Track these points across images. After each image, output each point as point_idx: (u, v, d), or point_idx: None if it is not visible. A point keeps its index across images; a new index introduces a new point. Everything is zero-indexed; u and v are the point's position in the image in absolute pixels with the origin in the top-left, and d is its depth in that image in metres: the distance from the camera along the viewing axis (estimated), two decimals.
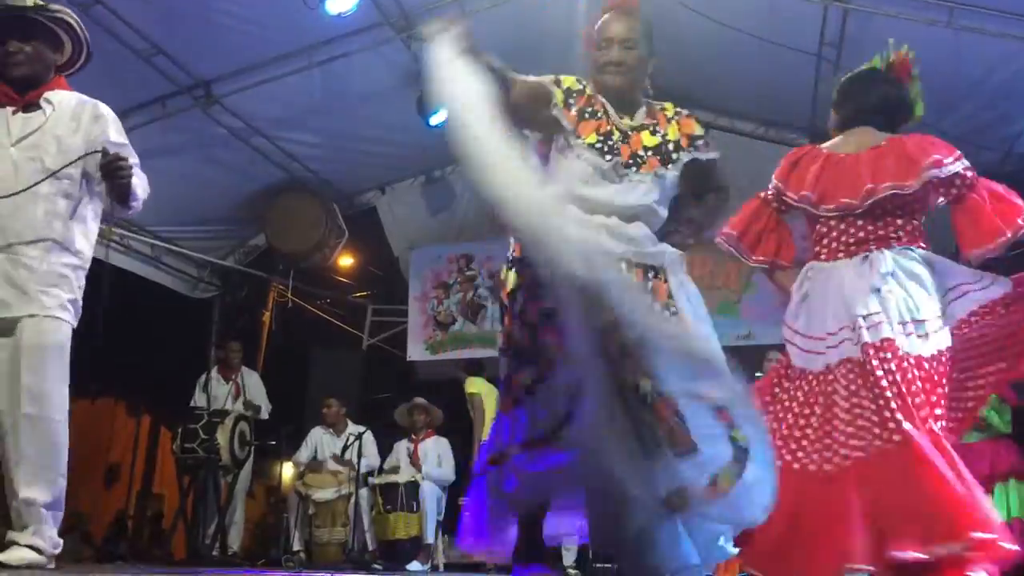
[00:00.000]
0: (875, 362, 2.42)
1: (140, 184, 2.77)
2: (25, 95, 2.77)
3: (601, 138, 2.36)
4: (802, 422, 2.57)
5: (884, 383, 2.38)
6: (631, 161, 2.35)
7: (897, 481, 2.27)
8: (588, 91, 2.44)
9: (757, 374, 5.78)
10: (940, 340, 2.50)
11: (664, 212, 2.40)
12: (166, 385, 7.62)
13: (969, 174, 2.61)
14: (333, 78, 6.25)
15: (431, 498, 6.49)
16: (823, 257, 2.70)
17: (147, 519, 8.57)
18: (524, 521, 2.32)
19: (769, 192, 2.83)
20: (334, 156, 7.50)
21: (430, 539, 6.44)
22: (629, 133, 2.39)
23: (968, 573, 2.11)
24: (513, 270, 2.37)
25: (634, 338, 2.00)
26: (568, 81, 2.44)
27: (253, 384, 7.02)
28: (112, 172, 2.65)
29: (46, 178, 2.67)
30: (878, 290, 2.52)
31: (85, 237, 2.79)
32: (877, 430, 2.36)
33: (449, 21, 2.19)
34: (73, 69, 2.92)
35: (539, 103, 2.41)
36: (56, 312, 2.65)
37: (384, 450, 7.07)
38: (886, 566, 2.21)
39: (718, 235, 2.79)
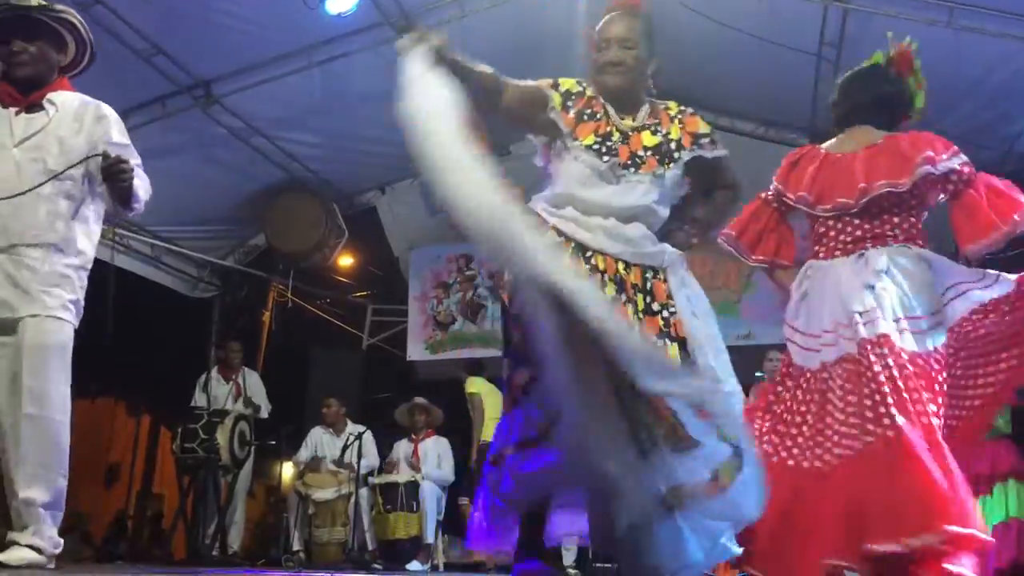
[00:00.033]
0: (872, 357, 2.43)
1: (142, 186, 2.77)
2: (28, 96, 2.77)
3: (599, 139, 2.35)
4: (798, 419, 2.59)
5: (881, 378, 2.39)
6: (629, 162, 2.34)
7: (883, 475, 2.28)
8: (588, 93, 2.44)
9: (757, 374, 5.82)
10: (935, 338, 2.51)
11: (665, 212, 2.39)
12: (166, 385, 7.62)
13: (966, 170, 2.61)
14: (333, 78, 6.25)
15: (431, 498, 6.49)
16: (821, 256, 2.72)
17: (147, 519, 8.57)
18: (525, 520, 2.33)
19: (770, 192, 2.86)
20: (334, 156, 7.50)
21: (430, 539, 6.44)
22: (629, 134, 2.38)
23: (945, 566, 2.11)
24: None
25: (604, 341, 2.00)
26: (567, 84, 2.44)
27: (253, 384, 7.01)
28: (113, 175, 2.65)
29: (48, 180, 2.67)
30: (872, 287, 2.53)
31: (87, 238, 2.79)
32: (871, 426, 2.37)
33: (422, 33, 2.20)
34: (77, 70, 2.92)
35: (535, 107, 2.41)
36: (58, 312, 2.65)
37: (384, 450, 7.07)
38: (864, 560, 2.22)
39: (719, 235, 2.81)
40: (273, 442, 7.05)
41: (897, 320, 2.49)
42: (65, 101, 2.80)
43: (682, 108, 2.49)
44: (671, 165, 2.37)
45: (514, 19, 6.08)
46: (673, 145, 2.39)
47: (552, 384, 2.10)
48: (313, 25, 5.80)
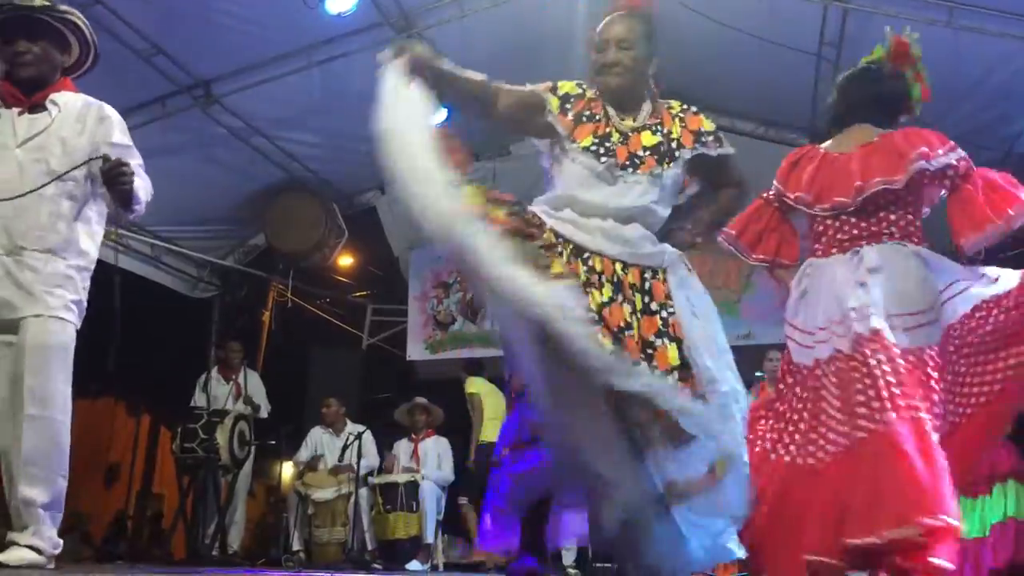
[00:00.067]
0: (865, 352, 2.44)
1: (143, 187, 2.77)
2: (31, 96, 2.76)
3: (597, 141, 2.36)
4: (795, 416, 2.61)
5: (875, 373, 2.39)
6: (627, 162, 2.34)
7: (869, 470, 2.29)
8: (589, 95, 2.44)
9: (757, 373, 5.83)
10: (929, 334, 2.51)
11: (664, 211, 2.38)
12: (166, 385, 7.61)
13: (962, 164, 2.61)
14: (333, 78, 6.24)
15: (431, 498, 6.49)
16: (819, 254, 2.74)
17: (147, 519, 8.56)
18: (525, 520, 2.34)
19: (771, 192, 2.87)
20: (334, 156, 7.49)
21: (430, 539, 6.44)
22: (629, 134, 2.38)
23: (930, 560, 2.11)
24: None
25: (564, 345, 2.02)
26: (566, 87, 2.45)
27: (254, 384, 7.01)
28: (113, 179, 2.65)
29: (51, 181, 2.67)
30: (865, 284, 2.55)
31: (90, 238, 2.79)
32: (862, 421, 2.37)
33: (402, 45, 2.27)
34: (80, 72, 2.92)
35: (531, 111, 2.42)
36: (60, 313, 2.65)
37: (384, 449, 7.07)
38: (843, 554, 2.22)
39: (720, 234, 2.81)
40: (273, 442, 7.05)
41: (890, 317, 2.50)
42: (68, 102, 2.80)
43: (685, 106, 2.48)
44: (671, 164, 2.36)
45: (514, 19, 6.08)
46: (674, 144, 2.38)
47: (534, 389, 2.16)
48: (313, 25, 5.80)
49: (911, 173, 2.56)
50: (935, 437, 2.30)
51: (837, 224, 2.70)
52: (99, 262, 2.86)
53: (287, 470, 7.53)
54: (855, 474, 2.32)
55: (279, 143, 7.08)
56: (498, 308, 2.09)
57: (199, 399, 6.65)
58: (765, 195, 2.88)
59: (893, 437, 2.26)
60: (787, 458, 2.54)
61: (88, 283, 2.79)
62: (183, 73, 6.12)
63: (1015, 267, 2.63)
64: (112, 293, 2.90)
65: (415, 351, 8.46)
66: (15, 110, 2.75)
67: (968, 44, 5.30)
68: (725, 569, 4.57)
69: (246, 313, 8.42)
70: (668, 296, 2.28)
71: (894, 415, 2.30)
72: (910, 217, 2.66)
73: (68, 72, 2.89)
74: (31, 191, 2.63)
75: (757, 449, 2.55)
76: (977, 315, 2.54)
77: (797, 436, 2.57)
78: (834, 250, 2.69)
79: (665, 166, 2.36)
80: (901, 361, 2.42)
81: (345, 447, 6.75)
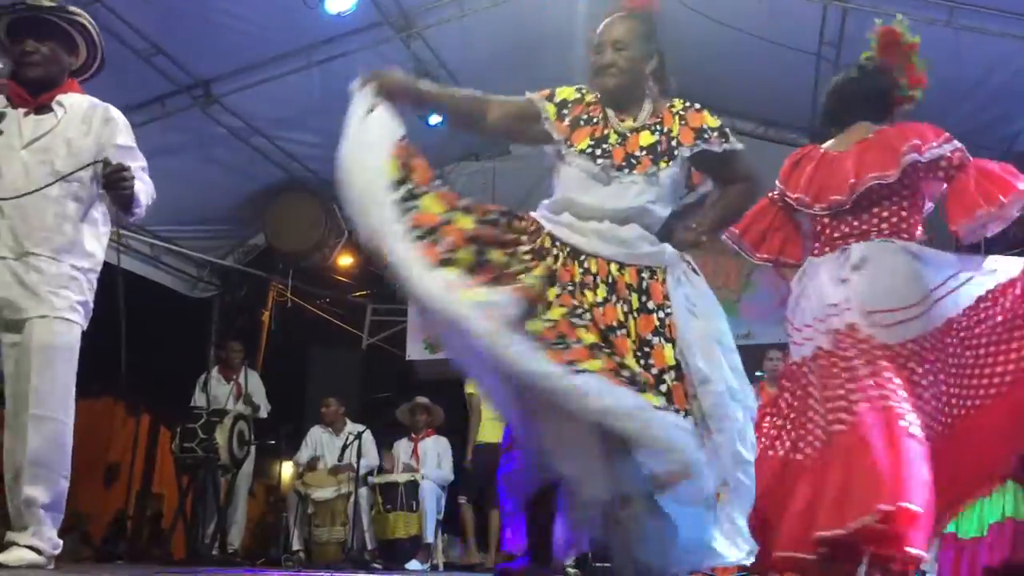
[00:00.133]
0: (843, 347, 2.48)
1: (145, 190, 2.77)
2: (38, 97, 2.76)
3: (593, 143, 2.35)
4: (791, 414, 2.67)
5: (851, 367, 2.43)
6: (624, 163, 2.33)
7: (840, 462, 2.32)
8: (588, 98, 2.43)
9: (757, 373, 5.82)
10: (910, 329, 2.52)
11: (663, 211, 2.35)
12: (165, 385, 7.61)
13: (956, 155, 2.62)
14: (332, 77, 6.23)
15: (431, 497, 6.49)
16: (815, 253, 2.78)
17: (146, 519, 8.56)
18: (530, 521, 2.35)
19: (775, 192, 2.90)
20: (334, 156, 7.42)
21: (429, 538, 6.44)
22: (628, 135, 2.37)
23: (908, 549, 2.12)
24: None
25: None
26: (564, 93, 2.45)
27: (254, 384, 7.02)
28: (114, 183, 2.65)
29: (55, 181, 2.67)
30: (846, 281, 2.59)
31: (96, 239, 2.80)
32: (840, 415, 2.41)
33: (376, 73, 2.36)
34: (87, 75, 2.92)
35: (527, 121, 2.44)
36: (66, 314, 2.66)
37: (383, 449, 7.07)
38: (814, 549, 2.24)
39: (725, 232, 2.83)
40: (273, 442, 7.05)
41: (870, 313, 2.52)
42: (74, 103, 2.80)
43: (687, 104, 2.44)
44: (669, 164, 2.34)
45: (514, 19, 6.07)
46: (673, 143, 2.36)
47: (492, 397, 2.24)
48: (312, 25, 5.80)
49: (903, 166, 2.58)
50: (913, 428, 2.32)
51: (834, 223, 2.73)
52: (107, 264, 2.87)
53: (287, 470, 7.53)
54: (829, 468, 2.35)
55: (279, 143, 7.07)
56: (427, 321, 2.14)
57: (199, 399, 6.65)
58: (771, 195, 2.90)
59: (862, 429, 2.30)
60: (781, 453, 2.60)
61: (94, 284, 2.79)
62: (183, 73, 6.12)
63: None
64: (115, 294, 2.90)
65: (415, 351, 8.46)
66: (21, 111, 2.75)
67: (968, 44, 5.30)
68: (725, 570, 4.57)
69: (246, 313, 8.42)
70: (666, 296, 2.27)
71: (865, 407, 2.34)
72: (904, 213, 2.67)
73: (75, 75, 2.89)
74: (35, 190, 2.63)
75: (759, 447, 2.57)
76: (982, 305, 2.55)
77: (793, 433, 2.62)
78: (827, 249, 2.73)
79: (662, 165, 2.34)
80: (879, 355, 2.45)
81: (345, 447, 6.75)
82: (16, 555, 2.49)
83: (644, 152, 2.35)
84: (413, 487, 6.47)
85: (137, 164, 2.75)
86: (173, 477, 6.42)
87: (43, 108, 2.76)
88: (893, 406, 2.34)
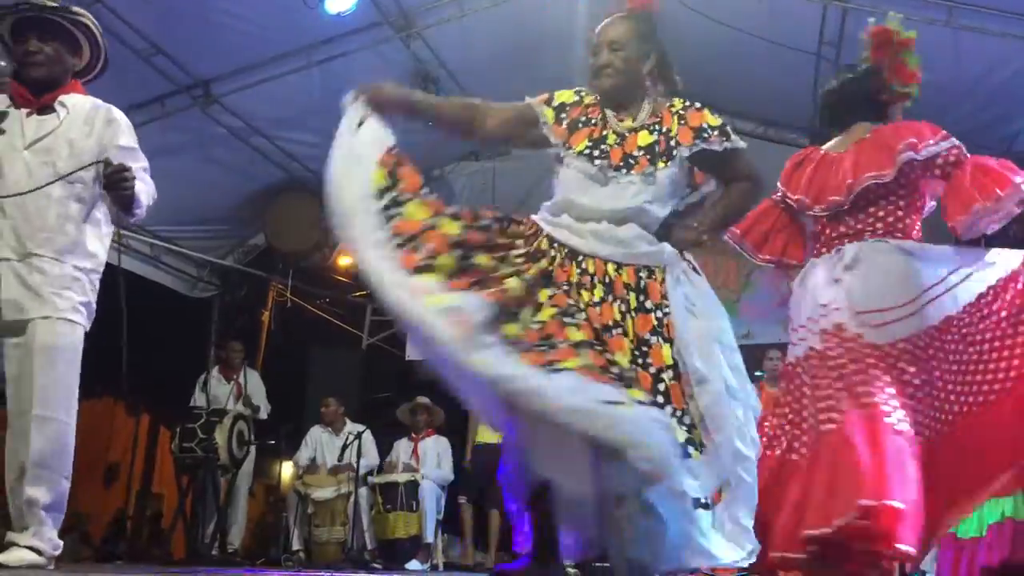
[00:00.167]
0: (831, 346, 2.49)
1: (145, 191, 2.76)
2: (41, 97, 2.76)
3: (591, 144, 2.36)
4: (789, 413, 2.68)
5: (839, 365, 2.45)
6: (621, 163, 2.33)
7: (827, 461, 2.33)
8: (587, 100, 2.44)
9: (757, 373, 5.82)
10: (902, 328, 2.52)
11: (661, 211, 2.35)
12: (165, 384, 7.61)
13: (953, 152, 2.62)
14: (332, 77, 6.23)
15: (431, 497, 6.50)
16: (815, 254, 2.80)
17: (146, 519, 8.55)
18: (534, 522, 2.36)
19: (777, 194, 2.91)
20: None
21: (429, 538, 6.44)
22: (626, 135, 2.37)
23: (895, 545, 2.12)
24: None
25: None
26: (563, 96, 2.46)
27: (254, 384, 7.02)
28: (114, 184, 2.65)
29: (56, 180, 2.66)
30: (838, 281, 2.60)
31: (99, 240, 2.79)
32: (830, 414, 2.42)
33: (366, 86, 2.40)
34: (90, 76, 2.92)
35: (524, 126, 2.47)
36: (69, 314, 2.66)
37: (384, 449, 7.07)
38: (802, 548, 2.25)
39: (727, 233, 2.83)
40: (272, 442, 7.05)
41: (859, 314, 2.53)
42: (76, 104, 2.79)
43: (688, 103, 2.44)
44: (667, 163, 2.34)
45: (514, 19, 6.07)
46: (672, 143, 2.36)
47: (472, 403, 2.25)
48: (312, 25, 5.80)
49: (899, 165, 2.59)
50: (900, 426, 2.33)
51: (832, 224, 2.75)
52: (108, 265, 2.87)
53: (287, 470, 7.53)
54: (818, 467, 2.36)
55: (279, 143, 7.07)
56: (401, 326, 2.20)
57: (199, 399, 6.65)
58: (774, 196, 2.91)
59: (847, 428, 2.32)
60: (778, 453, 2.61)
61: (97, 285, 2.79)
62: (182, 73, 6.12)
63: None
64: (116, 294, 2.90)
65: (415, 351, 8.44)
66: (24, 111, 2.74)
67: (968, 44, 5.30)
68: (726, 570, 4.56)
69: (246, 313, 8.42)
70: (663, 296, 2.27)
71: (851, 406, 2.35)
72: (900, 212, 2.67)
73: (78, 76, 2.89)
74: (36, 188, 2.63)
75: (760, 446, 2.58)
76: (983, 301, 2.55)
77: (790, 432, 2.64)
78: (824, 249, 2.75)
79: (660, 165, 2.33)
80: (866, 352, 2.46)
81: (345, 446, 6.76)
82: (16, 555, 2.49)
83: (642, 152, 2.35)
84: (413, 487, 6.48)
85: (139, 165, 2.75)
86: (173, 477, 6.42)
87: (46, 108, 2.76)
88: (878, 403, 2.35)
